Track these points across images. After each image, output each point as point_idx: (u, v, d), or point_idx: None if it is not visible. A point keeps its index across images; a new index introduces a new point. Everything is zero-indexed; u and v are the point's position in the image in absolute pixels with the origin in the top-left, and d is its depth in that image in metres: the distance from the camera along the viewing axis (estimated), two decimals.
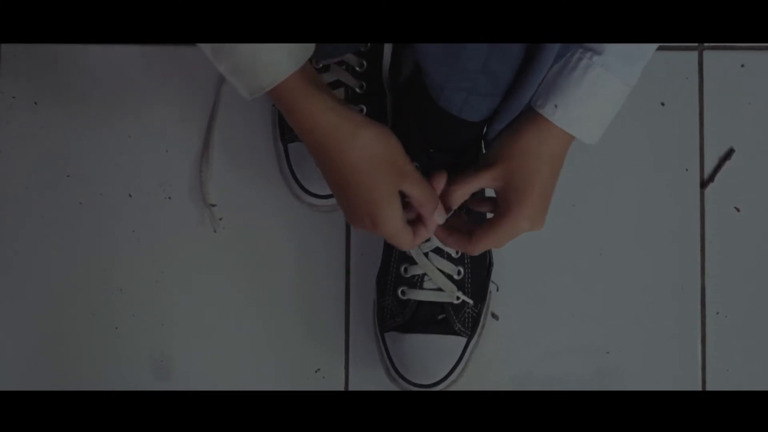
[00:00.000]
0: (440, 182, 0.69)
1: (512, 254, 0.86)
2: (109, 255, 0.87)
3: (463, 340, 0.79)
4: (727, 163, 0.87)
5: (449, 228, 0.71)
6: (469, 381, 0.81)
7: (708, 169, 0.87)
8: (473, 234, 0.69)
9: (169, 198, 0.88)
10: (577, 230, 0.87)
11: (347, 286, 0.87)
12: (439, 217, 0.68)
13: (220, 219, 0.87)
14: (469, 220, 0.74)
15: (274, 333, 0.86)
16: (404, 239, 0.67)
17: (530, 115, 0.66)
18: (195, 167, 0.87)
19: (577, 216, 0.87)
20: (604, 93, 0.64)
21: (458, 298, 0.78)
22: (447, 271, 0.78)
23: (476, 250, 0.70)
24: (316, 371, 0.86)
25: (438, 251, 0.78)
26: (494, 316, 0.85)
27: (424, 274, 0.78)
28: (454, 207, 0.70)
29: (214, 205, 0.87)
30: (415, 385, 0.79)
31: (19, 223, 0.87)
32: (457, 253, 0.78)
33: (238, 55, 0.58)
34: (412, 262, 0.78)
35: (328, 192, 0.82)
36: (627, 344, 0.86)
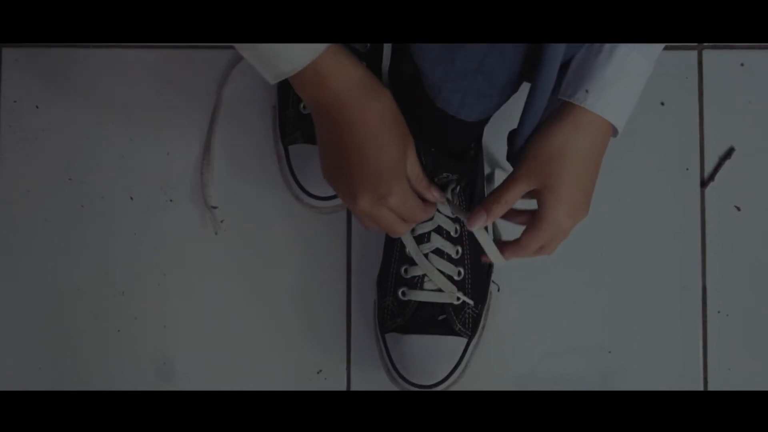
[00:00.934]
0: (478, 221, 0.69)
1: None
2: (111, 258, 0.87)
3: (463, 341, 0.80)
4: (728, 162, 0.87)
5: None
6: (471, 381, 0.81)
7: (708, 168, 0.88)
8: (520, 240, 0.69)
9: (171, 200, 0.88)
10: (577, 230, 0.86)
11: (348, 287, 0.87)
12: (479, 222, 0.68)
13: (222, 221, 0.87)
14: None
15: (276, 335, 0.87)
16: (412, 208, 0.67)
17: (562, 110, 0.64)
18: (196, 169, 0.87)
19: None
20: (632, 72, 0.63)
21: (458, 298, 0.78)
22: (447, 272, 0.78)
23: (525, 254, 0.69)
24: (318, 372, 0.86)
25: (438, 252, 0.78)
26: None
27: (425, 275, 0.78)
28: (497, 217, 0.68)
29: (215, 208, 0.87)
30: (415, 385, 0.79)
31: (22, 226, 0.88)
32: (457, 253, 0.78)
33: (261, 46, 0.59)
34: (413, 263, 0.78)
35: (329, 193, 0.82)
36: (628, 344, 0.86)
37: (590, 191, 0.68)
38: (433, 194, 0.70)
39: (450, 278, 0.78)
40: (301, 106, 0.82)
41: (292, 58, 0.59)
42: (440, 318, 0.79)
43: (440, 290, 0.78)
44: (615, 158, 0.87)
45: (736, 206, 0.87)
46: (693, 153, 0.87)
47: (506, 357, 0.86)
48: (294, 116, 0.83)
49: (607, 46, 0.63)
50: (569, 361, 0.86)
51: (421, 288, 0.78)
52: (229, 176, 0.88)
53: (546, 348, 0.86)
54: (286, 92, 0.83)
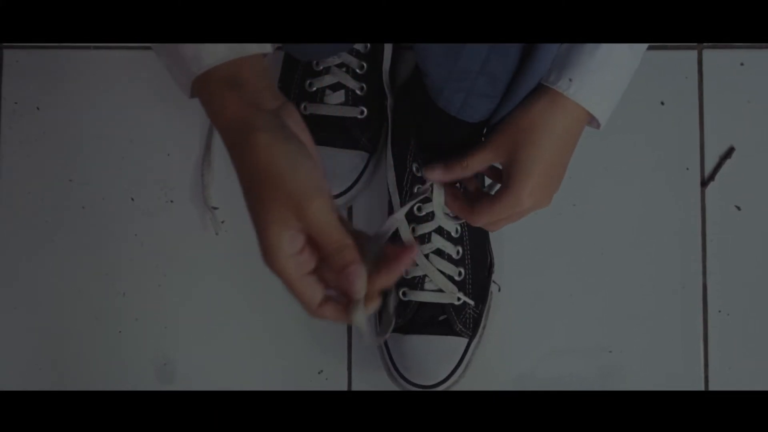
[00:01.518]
0: (434, 173, 0.69)
1: (513, 254, 0.86)
2: (112, 259, 0.87)
3: (464, 341, 0.80)
4: (728, 162, 0.87)
5: (454, 194, 0.71)
6: (472, 381, 0.81)
7: (708, 167, 0.87)
8: (475, 205, 0.68)
9: (171, 201, 0.88)
10: (578, 230, 0.87)
11: None
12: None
13: (222, 222, 0.87)
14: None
15: (277, 335, 0.87)
16: (299, 290, 0.53)
17: (542, 91, 0.63)
18: (197, 170, 0.88)
19: (578, 215, 0.87)
20: (618, 63, 0.63)
21: (459, 299, 0.78)
22: (448, 272, 0.78)
23: (477, 221, 0.68)
24: (319, 373, 0.87)
25: (439, 252, 0.78)
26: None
27: (425, 275, 0.78)
28: (453, 178, 0.69)
29: (216, 208, 0.87)
30: (416, 386, 0.79)
31: (23, 227, 0.88)
32: (458, 254, 0.78)
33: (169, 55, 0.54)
34: (413, 263, 0.78)
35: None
36: (629, 343, 0.86)
37: (557, 178, 0.66)
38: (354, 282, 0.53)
39: (450, 278, 0.78)
40: (302, 106, 0.82)
41: (200, 58, 0.53)
42: (441, 318, 0.79)
43: (441, 291, 0.78)
44: (615, 158, 0.87)
45: (736, 206, 0.87)
46: (693, 152, 0.87)
47: (507, 357, 0.86)
48: None
49: None
50: (569, 361, 0.86)
51: (422, 288, 0.78)
52: (229, 177, 0.87)
53: (546, 348, 0.86)
54: (286, 93, 0.83)
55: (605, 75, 0.63)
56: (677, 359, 0.86)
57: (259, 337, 0.87)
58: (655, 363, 0.86)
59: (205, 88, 0.53)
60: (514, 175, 0.64)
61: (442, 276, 0.78)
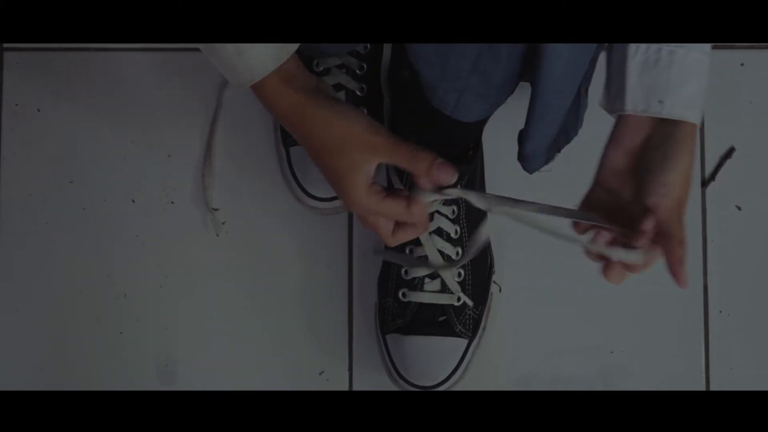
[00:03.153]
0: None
1: (514, 255, 0.86)
2: (113, 260, 0.87)
3: (464, 342, 0.80)
4: (728, 162, 0.87)
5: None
6: (473, 381, 0.81)
7: (709, 168, 0.88)
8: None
9: (172, 202, 0.88)
10: None
11: (350, 288, 0.87)
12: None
13: (223, 223, 0.87)
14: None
15: (278, 336, 0.87)
16: (373, 223, 0.61)
17: (644, 125, 0.62)
18: (198, 172, 0.88)
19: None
20: (697, 69, 0.63)
21: (459, 299, 0.79)
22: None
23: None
24: (320, 374, 0.87)
25: (439, 253, 0.78)
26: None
27: (425, 276, 0.78)
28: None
29: (217, 210, 0.87)
30: (416, 386, 0.79)
31: (24, 228, 0.88)
32: (457, 255, 0.78)
33: (224, 52, 0.59)
34: (413, 263, 0.78)
35: (330, 194, 0.82)
36: (630, 344, 0.86)
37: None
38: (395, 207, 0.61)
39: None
40: None
41: (253, 68, 0.59)
42: (441, 319, 0.79)
43: (441, 291, 0.79)
44: None
45: (737, 206, 0.87)
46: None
47: (507, 357, 0.86)
48: None
49: (663, 51, 0.61)
50: (570, 361, 0.86)
51: (422, 289, 0.79)
52: (230, 178, 0.88)
53: (547, 348, 0.86)
54: None
55: (691, 84, 0.62)
56: (678, 360, 0.86)
57: (260, 337, 0.87)
58: (656, 364, 0.86)
59: (259, 88, 0.61)
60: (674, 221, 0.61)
61: (450, 274, 0.78)
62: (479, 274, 0.80)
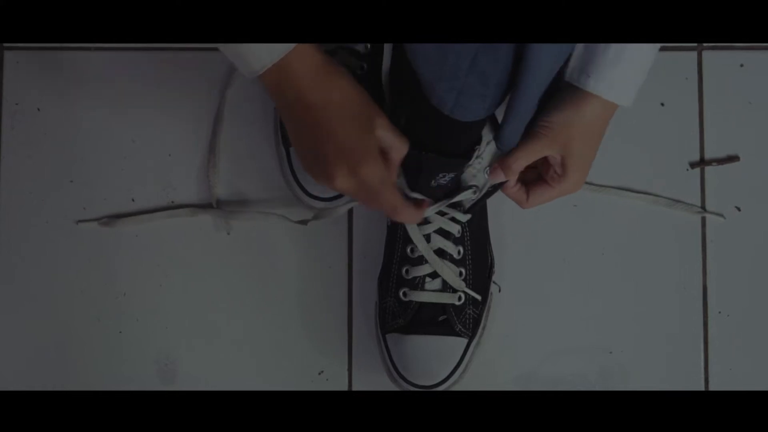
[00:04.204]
0: (497, 174, 0.75)
1: (514, 255, 0.86)
2: (113, 259, 0.87)
3: (464, 342, 0.80)
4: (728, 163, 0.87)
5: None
6: (472, 382, 0.81)
7: (708, 168, 0.88)
8: (530, 193, 0.75)
9: (172, 202, 0.88)
10: (578, 231, 0.87)
11: (350, 288, 0.87)
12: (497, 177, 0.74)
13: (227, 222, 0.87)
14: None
15: (277, 336, 0.87)
16: (384, 182, 0.67)
17: (567, 85, 0.70)
18: (198, 172, 0.88)
19: (578, 216, 0.87)
20: (631, 56, 0.68)
21: (460, 298, 0.79)
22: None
23: (530, 205, 0.76)
24: (319, 374, 0.87)
25: (440, 253, 0.78)
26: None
27: (426, 276, 0.78)
28: (515, 174, 0.74)
29: (217, 208, 0.87)
30: (416, 386, 0.79)
31: (24, 228, 0.88)
32: (459, 254, 0.78)
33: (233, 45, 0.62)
34: (414, 263, 0.78)
35: (330, 194, 0.82)
36: (629, 344, 0.86)
37: (591, 163, 0.74)
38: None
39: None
40: None
41: (260, 56, 0.62)
42: (441, 319, 0.79)
43: (442, 291, 0.79)
44: (616, 159, 0.87)
45: (736, 207, 0.87)
46: (693, 154, 0.88)
47: (506, 357, 0.86)
48: None
49: None
50: (569, 361, 0.86)
51: (423, 288, 0.79)
52: (230, 178, 0.88)
53: (546, 348, 0.86)
54: None
55: (622, 66, 0.68)
56: (678, 360, 0.86)
57: (260, 337, 0.87)
58: (655, 364, 0.86)
59: (276, 67, 0.63)
60: (570, 167, 0.72)
61: (449, 271, 0.78)
62: (480, 273, 0.80)
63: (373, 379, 0.85)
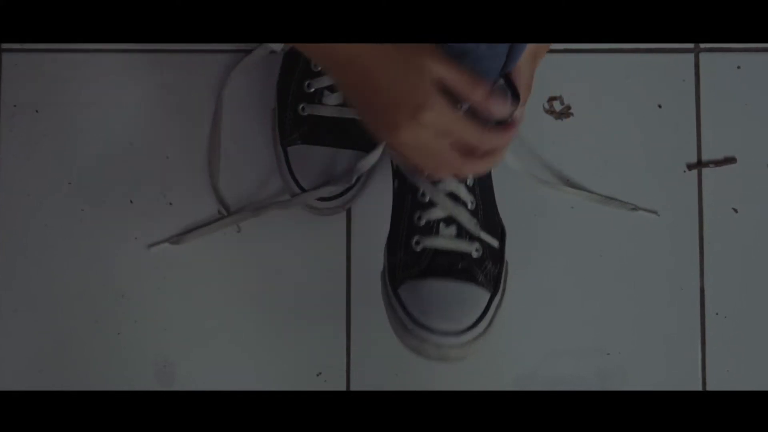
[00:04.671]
0: None
1: (513, 256, 0.86)
2: (111, 261, 0.87)
3: (486, 294, 0.72)
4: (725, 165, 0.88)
5: None
6: (471, 381, 0.81)
7: (706, 170, 0.88)
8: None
9: (170, 204, 0.88)
10: (576, 232, 0.87)
11: (348, 289, 0.87)
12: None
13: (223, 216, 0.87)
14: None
15: (276, 337, 0.87)
16: (454, 120, 0.59)
17: None
18: (196, 173, 0.88)
19: (576, 218, 0.87)
20: None
21: (477, 249, 0.73)
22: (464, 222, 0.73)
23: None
24: (317, 375, 0.87)
25: (453, 198, 0.73)
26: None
27: (440, 220, 0.72)
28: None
29: (226, 209, 0.87)
30: (438, 332, 0.68)
31: (22, 230, 0.88)
32: (471, 203, 0.74)
33: None
34: (426, 207, 0.72)
35: (329, 194, 0.82)
36: (627, 345, 0.86)
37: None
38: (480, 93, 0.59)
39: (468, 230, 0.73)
40: (300, 107, 0.82)
41: None
42: (460, 266, 0.72)
43: (457, 237, 0.72)
44: (613, 161, 0.87)
45: (733, 208, 0.88)
46: (691, 155, 0.88)
47: (506, 358, 0.86)
48: (292, 118, 0.83)
49: None
50: (568, 362, 0.86)
51: (437, 233, 0.72)
52: (229, 179, 0.88)
53: (546, 349, 0.86)
54: (284, 94, 0.84)
55: None
56: (675, 361, 0.86)
57: (258, 338, 0.87)
58: (654, 365, 0.86)
59: None
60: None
61: (464, 210, 0.72)
62: (492, 230, 0.75)
63: (372, 381, 0.85)
